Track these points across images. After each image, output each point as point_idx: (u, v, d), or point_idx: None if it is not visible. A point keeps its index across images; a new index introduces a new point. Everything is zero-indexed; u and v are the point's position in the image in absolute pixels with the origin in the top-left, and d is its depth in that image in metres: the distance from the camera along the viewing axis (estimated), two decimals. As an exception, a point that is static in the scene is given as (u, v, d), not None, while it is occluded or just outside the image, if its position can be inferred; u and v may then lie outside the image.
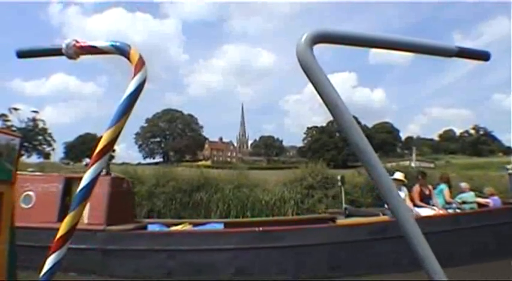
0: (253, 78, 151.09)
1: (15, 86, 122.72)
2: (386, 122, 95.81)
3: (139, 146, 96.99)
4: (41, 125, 68.96)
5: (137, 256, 7.47)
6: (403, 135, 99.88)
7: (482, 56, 1.01)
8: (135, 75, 0.95)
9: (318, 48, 0.85)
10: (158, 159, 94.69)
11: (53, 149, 71.42)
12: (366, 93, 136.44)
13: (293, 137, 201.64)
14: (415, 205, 8.27)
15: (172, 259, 7.38)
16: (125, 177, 9.71)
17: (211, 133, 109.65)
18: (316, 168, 15.27)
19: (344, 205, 9.14)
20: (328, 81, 0.83)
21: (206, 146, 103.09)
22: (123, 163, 51.96)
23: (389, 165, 23.08)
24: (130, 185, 9.67)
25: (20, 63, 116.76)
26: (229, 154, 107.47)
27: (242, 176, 15.19)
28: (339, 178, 10.09)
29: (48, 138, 71.68)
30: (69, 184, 8.11)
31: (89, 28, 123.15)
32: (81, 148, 71.14)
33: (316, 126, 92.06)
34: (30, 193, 7.98)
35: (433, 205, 8.32)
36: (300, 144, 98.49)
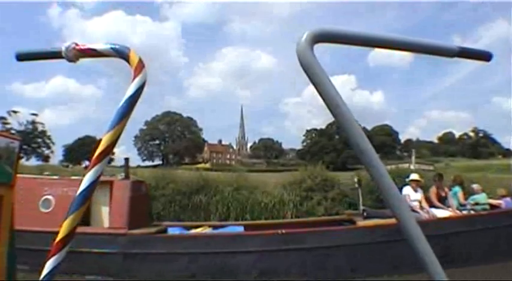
0: (253, 81, 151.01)
1: (14, 89, 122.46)
2: (386, 125, 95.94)
3: (139, 148, 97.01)
4: (40, 127, 69.00)
5: (160, 260, 7.46)
6: (402, 138, 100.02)
7: (483, 56, 1.00)
8: (134, 78, 0.95)
9: (317, 50, 0.84)
10: (157, 162, 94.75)
11: (52, 152, 71.41)
12: (365, 95, 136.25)
13: (292, 139, 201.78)
14: (432, 206, 8.36)
15: (196, 262, 7.40)
16: (143, 180, 9.71)
17: (210, 136, 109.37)
18: (315, 170, 15.26)
19: (362, 207, 9.15)
20: (329, 81, 0.82)
21: (205, 148, 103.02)
22: (122, 166, 52.05)
23: (388, 167, 23.07)
24: (147, 188, 9.72)
25: (19, 66, 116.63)
26: (228, 157, 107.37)
27: (241, 179, 15.19)
28: (355, 180, 10.15)
29: (48, 141, 71.69)
30: None
31: (89, 31, 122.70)
32: (81, 150, 71.08)
33: (316, 129, 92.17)
34: (50, 197, 7.92)
35: (449, 207, 8.40)
36: (299, 146, 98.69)
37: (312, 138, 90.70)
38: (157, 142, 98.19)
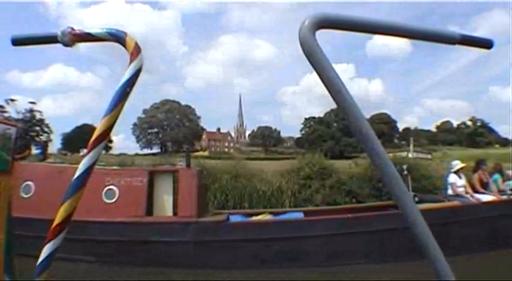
0: (251, 69, 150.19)
1: (12, 77, 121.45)
2: (384, 113, 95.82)
3: (137, 136, 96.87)
4: (38, 116, 68.76)
5: (231, 247, 7.52)
6: (400, 127, 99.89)
7: (484, 43, 1.00)
8: (131, 62, 0.94)
9: (318, 39, 0.83)
10: (156, 150, 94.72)
11: (50, 140, 71.22)
12: (364, 84, 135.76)
13: (291, 128, 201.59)
14: (476, 192, 8.79)
15: (266, 248, 7.49)
16: (201, 169, 9.81)
17: (209, 124, 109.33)
18: (313, 158, 15.33)
19: (411, 193, 9.36)
20: (330, 67, 0.81)
21: (204, 136, 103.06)
22: (120, 154, 52.08)
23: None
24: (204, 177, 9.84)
25: (17, 54, 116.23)
26: (226, 145, 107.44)
27: (240, 167, 15.23)
28: (404, 167, 10.24)
29: (46, 129, 71.51)
30: (152, 177, 8.14)
31: (87, 20, 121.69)
32: (79, 138, 70.98)
33: (314, 117, 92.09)
34: (113, 187, 7.92)
35: (491, 192, 8.85)
36: (297, 135, 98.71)
37: (310, 127, 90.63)
38: (155, 130, 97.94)
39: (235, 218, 8.34)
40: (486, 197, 8.52)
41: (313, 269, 7.19)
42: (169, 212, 8.00)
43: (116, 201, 7.81)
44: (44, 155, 11.43)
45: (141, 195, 7.82)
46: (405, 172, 9.88)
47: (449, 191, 8.99)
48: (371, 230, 7.44)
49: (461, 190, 8.70)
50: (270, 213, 9.05)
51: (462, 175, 9.03)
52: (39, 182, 7.98)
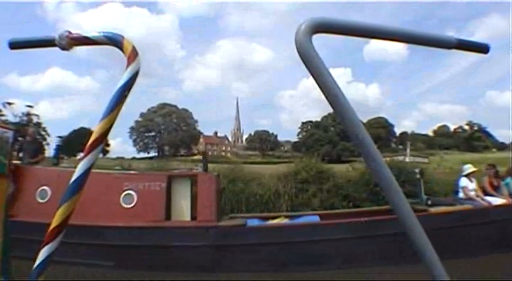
0: (249, 73, 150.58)
1: (11, 80, 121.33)
2: (381, 117, 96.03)
3: (134, 140, 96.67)
4: (35, 119, 68.53)
5: (251, 251, 7.52)
6: (397, 131, 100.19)
7: (481, 48, 1.00)
8: (128, 65, 0.94)
9: (315, 43, 0.82)
10: (153, 153, 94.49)
11: (48, 144, 70.92)
12: (361, 88, 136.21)
13: (288, 132, 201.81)
14: (487, 194, 8.91)
15: (284, 252, 7.52)
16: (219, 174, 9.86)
17: (206, 128, 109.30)
18: (310, 162, 15.28)
19: (424, 196, 9.49)
20: (327, 71, 0.81)
21: (201, 140, 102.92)
22: (117, 158, 51.98)
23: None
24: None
25: (15, 57, 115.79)
26: (224, 149, 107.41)
27: (237, 171, 15.19)
28: (417, 171, 10.30)
29: (43, 133, 71.24)
30: (170, 181, 8.12)
31: (85, 23, 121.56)
32: (76, 142, 70.74)
33: (311, 121, 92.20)
34: (131, 192, 7.85)
35: (502, 195, 8.93)
36: (294, 139, 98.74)
37: (307, 131, 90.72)
38: (152, 133, 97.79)
39: (252, 222, 8.35)
40: (497, 200, 8.67)
41: (333, 272, 7.26)
42: (187, 216, 7.99)
43: (134, 206, 7.77)
44: (57, 159, 11.44)
45: (160, 200, 7.80)
46: (418, 176, 9.95)
47: (461, 195, 9.15)
48: (388, 234, 7.37)
49: (472, 193, 8.88)
50: (286, 217, 9.08)
51: (473, 179, 9.18)
52: (55, 187, 7.87)
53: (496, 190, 9.11)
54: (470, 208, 8.31)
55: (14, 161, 9.19)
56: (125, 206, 7.75)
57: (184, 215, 8.02)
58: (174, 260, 7.40)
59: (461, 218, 7.88)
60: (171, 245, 7.48)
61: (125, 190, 7.84)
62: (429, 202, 9.00)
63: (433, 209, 8.41)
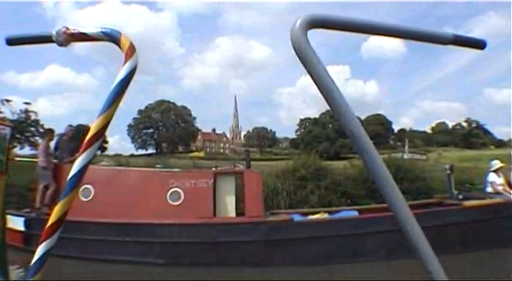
0: (247, 71, 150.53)
1: (9, 78, 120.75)
2: (379, 114, 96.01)
3: (132, 137, 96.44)
4: (33, 116, 68.33)
5: (297, 245, 7.76)
6: (395, 128, 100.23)
7: (477, 44, 1.00)
8: (125, 62, 0.94)
9: (312, 41, 0.82)
10: (151, 150, 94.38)
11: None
12: (359, 85, 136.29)
13: (286, 129, 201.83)
14: None
15: (331, 245, 7.78)
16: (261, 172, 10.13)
17: (204, 125, 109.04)
18: (308, 159, 15.26)
19: (454, 191, 9.71)
20: (322, 67, 0.81)
21: (199, 137, 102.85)
22: (116, 155, 51.87)
23: (381, 156, 23.14)
24: None
25: (14, 55, 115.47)
26: (222, 145, 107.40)
27: (235, 167, 15.16)
28: (447, 167, 10.38)
29: (41, 130, 71.03)
30: (216, 179, 8.31)
31: (83, 21, 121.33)
32: (74, 139, 70.58)
33: (309, 118, 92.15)
34: (178, 189, 8.02)
35: None
36: (292, 136, 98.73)
37: (306, 128, 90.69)
38: (150, 130, 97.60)
39: (296, 218, 8.56)
40: None
41: (376, 264, 7.56)
42: (232, 213, 8.22)
43: (181, 203, 7.94)
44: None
45: (208, 196, 8.01)
46: (448, 171, 10.03)
47: (489, 189, 9.62)
48: (425, 226, 7.61)
49: (500, 188, 9.37)
50: (325, 212, 9.30)
51: (501, 174, 9.61)
52: (98, 185, 8.06)
53: None
54: (501, 201, 8.66)
55: (53, 161, 9.29)
56: (172, 203, 7.93)
57: (229, 212, 8.24)
58: (224, 256, 7.61)
59: (494, 211, 8.24)
60: (221, 241, 7.65)
61: (171, 188, 8.01)
62: (460, 197, 9.31)
63: (466, 203, 8.69)
